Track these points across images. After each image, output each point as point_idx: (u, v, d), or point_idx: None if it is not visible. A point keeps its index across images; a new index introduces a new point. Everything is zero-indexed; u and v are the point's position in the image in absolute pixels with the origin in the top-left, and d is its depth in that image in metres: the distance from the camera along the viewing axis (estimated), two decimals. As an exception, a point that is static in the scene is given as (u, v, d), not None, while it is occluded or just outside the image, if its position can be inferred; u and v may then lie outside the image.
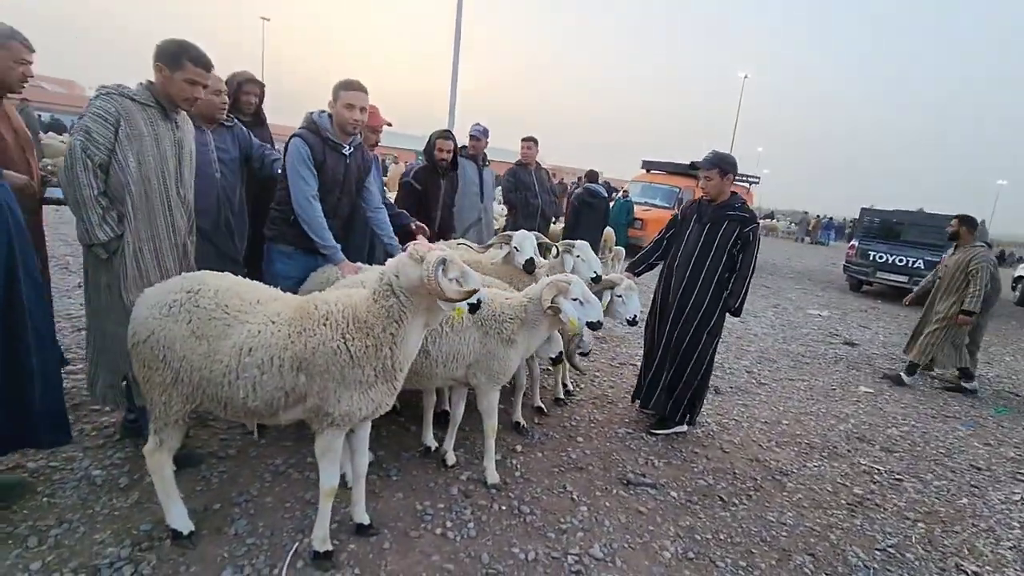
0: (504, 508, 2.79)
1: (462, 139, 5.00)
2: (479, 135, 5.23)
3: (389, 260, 2.14)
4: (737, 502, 3.15)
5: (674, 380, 3.73)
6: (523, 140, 5.98)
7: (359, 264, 3.03)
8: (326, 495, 2.22)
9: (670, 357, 3.73)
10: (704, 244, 3.60)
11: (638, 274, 3.95)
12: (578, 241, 3.62)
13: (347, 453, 2.73)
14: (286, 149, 2.95)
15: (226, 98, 3.24)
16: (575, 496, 2.98)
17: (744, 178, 15.65)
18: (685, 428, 3.89)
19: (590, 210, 6.81)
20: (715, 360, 3.91)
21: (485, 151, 5.36)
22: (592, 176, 7.42)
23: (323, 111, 3.03)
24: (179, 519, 2.26)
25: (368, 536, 2.44)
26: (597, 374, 4.98)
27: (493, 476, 2.94)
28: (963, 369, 5.73)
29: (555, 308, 2.70)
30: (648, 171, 14.84)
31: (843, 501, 3.31)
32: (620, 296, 3.56)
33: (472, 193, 5.18)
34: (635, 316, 3.52)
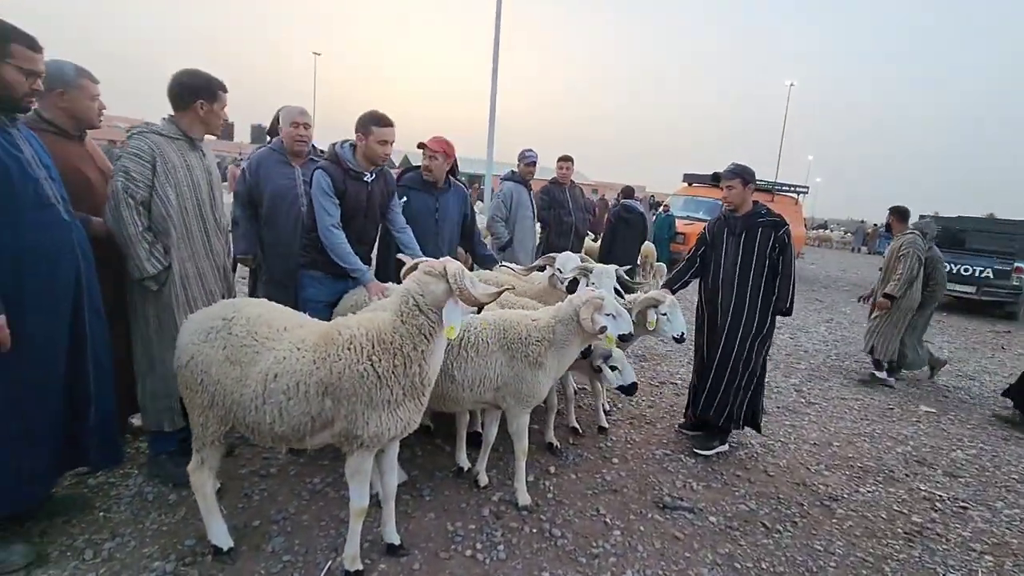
0: (535, 531, 2.76)
1: (501, 158, 5.18)
2: (534, 160, 5.47)
3: (407, 280, 2.20)
4: (781, 529, 3.01)
5: (737, 390, 3.67)
6: (559, 160, 6.02)
7: (387, 284, 3.12)
8: (356, 515, 2.27)
9: (731, 370, 3.65)
10: (744, 255, 3.57)
11: (674, 291, 3.89)
12: (597, 266, 3.58)
13: (377, 473, 2.81)
14: (310, 181, 3.09)
15: (303, 131, 3.47)
16: (608, 520, 2.92)
17: (792, 188, 15.16)
18: (726, 448, 3.77)
19: (627, 226, 6.75)
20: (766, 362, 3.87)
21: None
22: (628, 192, 7.37)
23: (346, 142, 3.17)
24: (220, 535, 2.36)
25: (399, 556, 2.47)
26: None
27: (524, 498, 2.93)
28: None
29: (599, 327, 2.72)
30: (690, 184, 14.59)
31: (899, 530, 3.11)
32: (665, 314, 3.53)
33: (526, 218, 5.32)
34: (682, 333, 3.51)
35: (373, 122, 3.08)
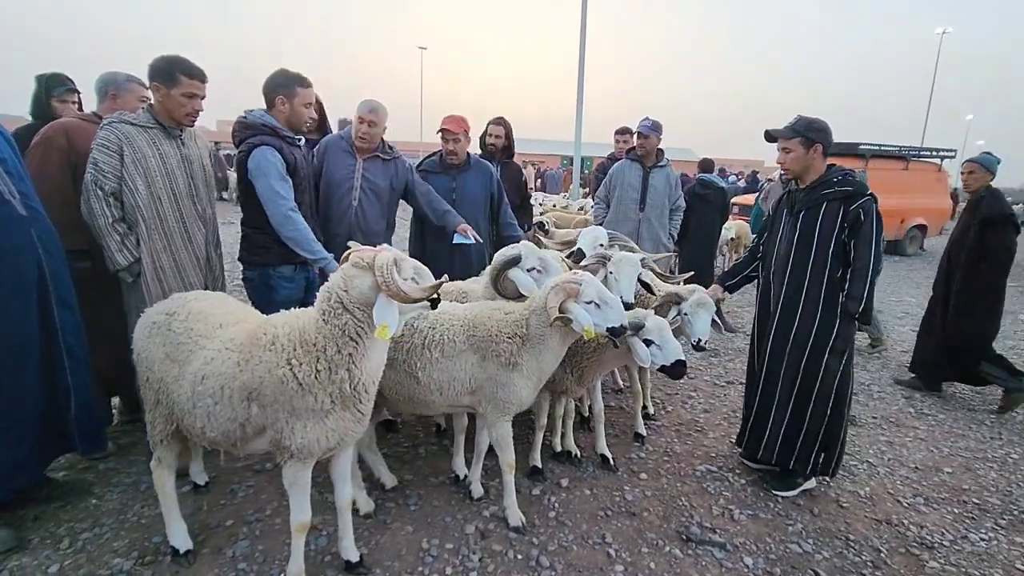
0: (519, 557, 2.40)
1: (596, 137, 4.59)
2: (647, 131, 4.46)
3: (333, 274, 1.91)
4: (842, 582, 2.37)
5: (794, 421, 2.85)
6: (616, 133, 5.42)
7: None
8: (296, 530, 2.07)
9: (783, 391, 2.86)
10: (801, 240, 2.77)
11: (730, 288, 3.24)
12: (617, 253, 3.04)
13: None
14: (244, 163, 2.73)
15: (367, 128, 3.25)
16: (614, 550, 2.47)
17: (933, 153, 12.86)
18: (814, 483, 2.99)
19: (703, 203, 5.96)
20: (855, 382, 3.00)
21: (660, 148, 4.61)
22: (706, 165, 6.52)
23: (252, 111, 2.84)
24: (178, 536, 2.28)
25: (356, 575, 2.23)
26: (693, 394, 4.27)
27: (514, 517, 2.57)
28: None
29: (565, 318, 2.25)
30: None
31: (1020, 599, 2.32)
32: (686, 314, 2.93)
33: (629, 199, 4.56)
34: (700, 340, 2.88)
35: (297, 82, 2.80)
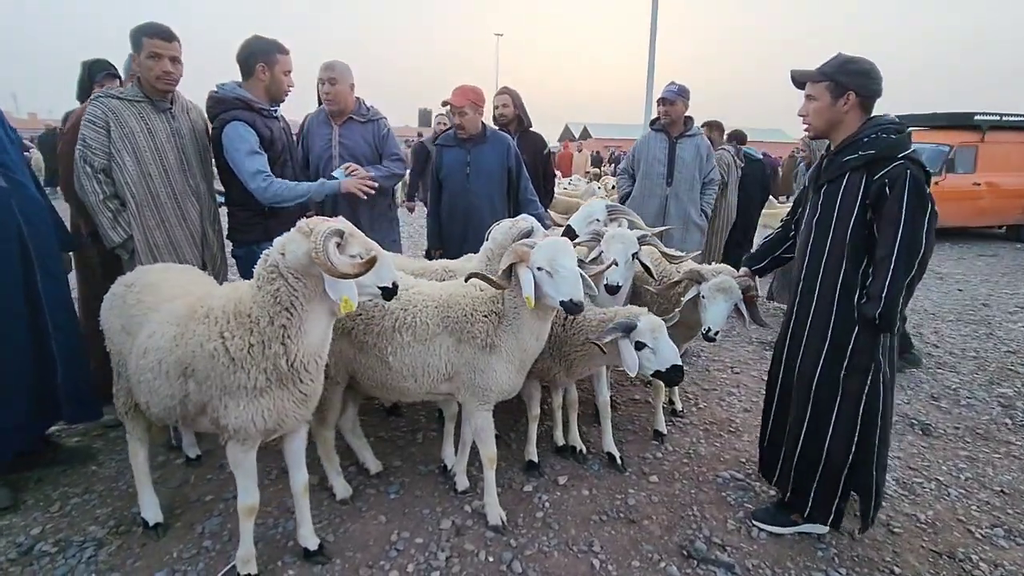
0: (490, 560, 2.18)
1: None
2: (672, 96, 3.96)
3: (276, 239, 1.76)
4: (875, 625, 1.94)
5: (809, 455, 2.22)
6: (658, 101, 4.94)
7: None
8: (242, 513, 1.98)
9: (795, 414, 2.25)
10: (819, 222, 2.13)
11: (758, 272, 2.67)
12: (611, 230, 2.69)
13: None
14: (219, 140, 2.67)
15: (327, 87, 3.11)
16: (599, 562, 2.19)
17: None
18: (825, 531, 2.35)
19: (743, 179, 5.36)
20: (893, 402, 2.22)
21: (689, 116, 4.11)
22: (740, 137, 5.78)
23: (224, 84, 2.76)
24: (148, 508, 2.27)
25: (314, 563, 2.12)
26: (735, 390, 3.82)
27: (494, 515, 2.35)
28: None
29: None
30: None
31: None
32: (704, 297, 2.55)
33: (655, 174, 4.08)
34: (709, 329, 2.49)
35: (277, 49, 2.68)
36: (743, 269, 2.69)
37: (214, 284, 2.23)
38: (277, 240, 1.75)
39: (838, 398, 2.12)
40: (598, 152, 27.61)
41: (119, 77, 3.73)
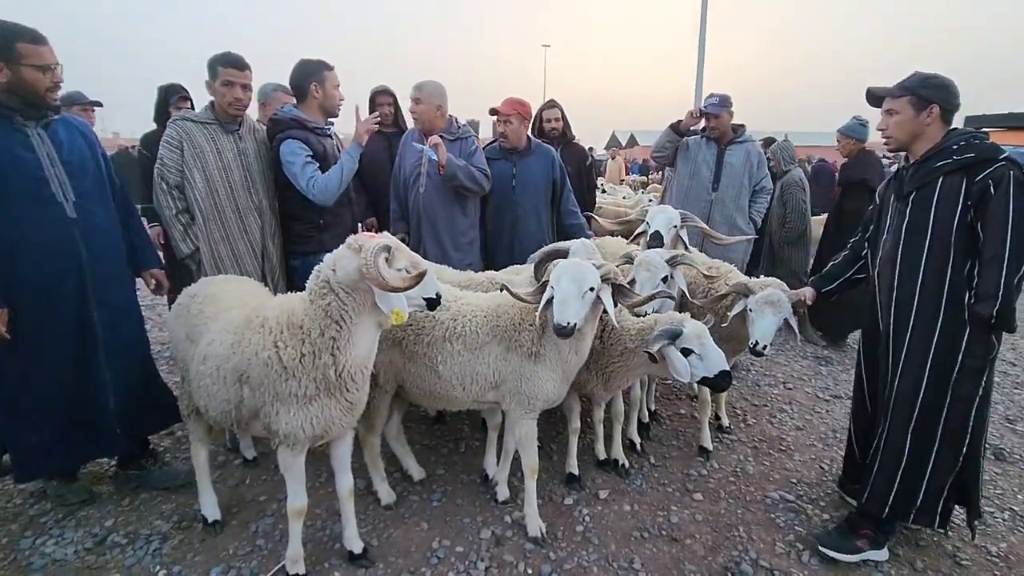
0: (530, 572, 2.19)
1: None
2: (715, 110, 3.88)
3: (327, 255, 1.87)
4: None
5: (915, 467, 2.18)
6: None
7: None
8: (292, 516, 2.07)
9: (896, 428, 2.20)
10: (911, 229, 2.13)
11: (827, 294, 2.59)
12: (641, 254, 2.71)
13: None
14: (278, 157, 2.81)
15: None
16: (640, 579, 2.16)
17: None
18: (885, 555, 2.29)
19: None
20: (988, 407, 2.19)
21: (740, 124, 4.04)
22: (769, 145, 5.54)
23: (283, 106, 2.94)
24: (207, 507, 2.41)
25: (358, 566, 2.19)
26: (786, 407, 3.68)
27: (533, 527, 2.36)
28: None
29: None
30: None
31: None
32: (751, 311, 2.49)
33: (702, 179, 3.98)
34: (756, 343, 2.43)
35: (324, 67, 2.82)
36: (806, 289, 2.61)
37: (269, 295, 2.35)
38: (328, 257, 1.84)
39: (947, 405, 2.11)
40: (645, 160, 27.15)
41: (191, 99, 4.01)
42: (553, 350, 2.20)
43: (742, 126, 3.98)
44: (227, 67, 2.66)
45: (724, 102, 3.85)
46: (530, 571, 2.19)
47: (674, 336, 2.20)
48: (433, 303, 1.92)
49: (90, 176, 2.36)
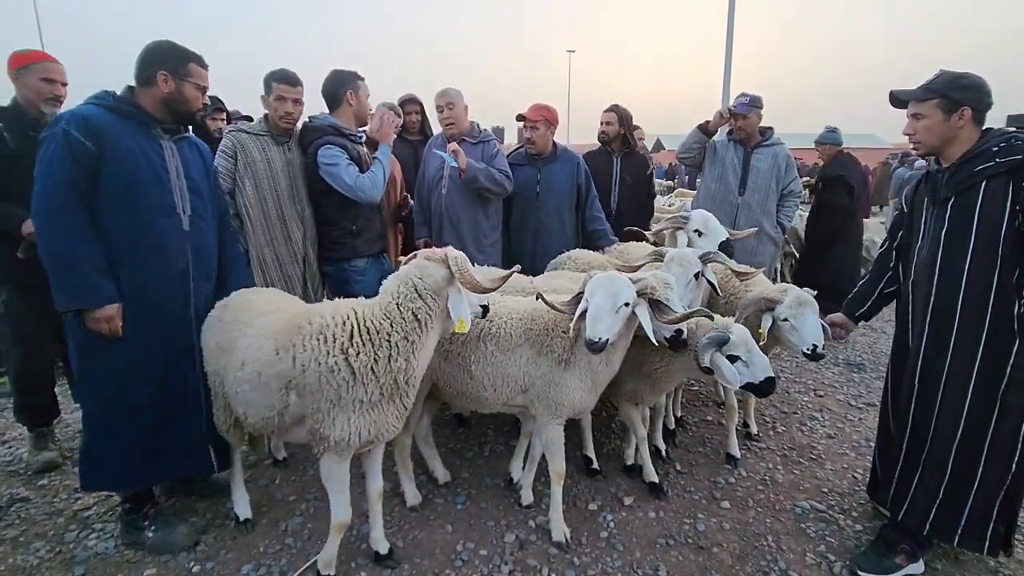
0: (553, 577, 2.19)
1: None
2: (744, 110, 3.83)
3: (404, 266, 2.01)
4: None
5: (959, 485, 2.08)
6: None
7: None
8: (335, 529, 2.12)
9: (938, 446, 2.11)
10: (951, 236, 2.03)
11: (860, 318, 2.52)
12: (671, 251, 2.70)
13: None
14: (315, 161, 2.84)
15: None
16: (665, 587, 2.14)
17: None
18: (921, 568, 2.21)
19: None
20: None
21: (768, 127, 3.99)
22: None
23: (315, 116, 3.00)
24: (239, 505, 2.47)
25: (384, 567, 2.23)
26: (817, 414, 3.60)
27: (558, 531, 2.36)
28: None
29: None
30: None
31: None
32: (786, 319, 2.44)
33: (729, 183, 3.94)
34: (815, 347, 2.37)
35: (357, 77, 2.92)
36: (840, 316, 2.54)
37: (302, 303, 2.33)
38: (411, 266, 1.98)
39: (994, 419, 2.01)
40: (671, 164, 26.74)
41: (226, 109, 4.14)
42: (584, 359, 2.21)
43: (770, 128, 3.92)
44: (280, 83, 2.81)
45: (754, 103, 3.80)
46: (554, 575, 2.19)
47: (722, 343, 2.19)
48: (486, 310, 2.10)
49: (204, 194, 2.36)
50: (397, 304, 1.91)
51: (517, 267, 2.17)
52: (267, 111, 2.90)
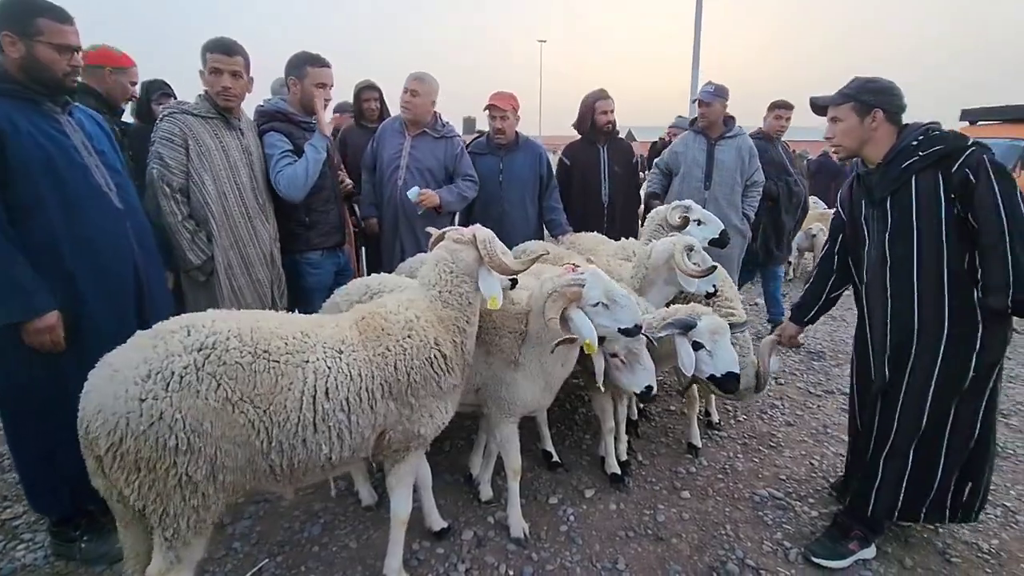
0: (511, 574, 2.14)
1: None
2: (708, 98, 3.77)
3: (435, 250, 1.98)
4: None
5: (922, 468, 2.11)
6: (773, 107, 4.53)
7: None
8: (400, 524, 2.06)
9: (903, 433, 2.11)
10: (896, 235, 2.04)
11: (808, 323, 2.53)
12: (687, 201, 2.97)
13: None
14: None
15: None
16: (623, 580, 2.11)
17: None
18: (873, 552, 2.24)
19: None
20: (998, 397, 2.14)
21: (730, 116, 3.92)
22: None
23: (268, 99, 2.92)
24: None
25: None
26: (777, 403, 3.64)
27: (516, 527, 2.31)
28: None
29: (569, 336, 1.97)
30: (972, 123, 10.68)
31: None
32: (704, 346, 2.30)
33: (693, 178, 3.87)
34: (727, 374, 2.30)
35: (308, 62, 2.74)
36: (788, 326, 2.56)
37: (303, 316, 1.91)
38: (441, 250, 1.95)
39: (954, 412, 2.06)
40: (642, 156, 26.88)
41: (174, 96, 3.93)
42: (534, 360, 2.15)
43: (732, 118, 3.92)
44: (214, 52, 2.44)
45: (719, 92, 3.79)
46: (511, 572, 2.15)
47: (687, 327, 2.18)
48: (514, 283, 2.10)
49: (120, 168, 2.12)
50: (449, 291, 1.90)
51: (545, 251, 2.26)
52: (206, 88, 2.51)
